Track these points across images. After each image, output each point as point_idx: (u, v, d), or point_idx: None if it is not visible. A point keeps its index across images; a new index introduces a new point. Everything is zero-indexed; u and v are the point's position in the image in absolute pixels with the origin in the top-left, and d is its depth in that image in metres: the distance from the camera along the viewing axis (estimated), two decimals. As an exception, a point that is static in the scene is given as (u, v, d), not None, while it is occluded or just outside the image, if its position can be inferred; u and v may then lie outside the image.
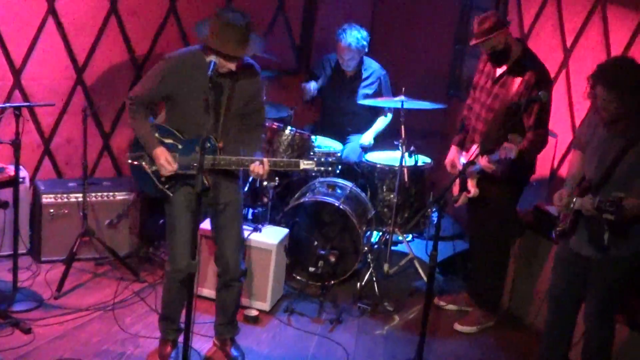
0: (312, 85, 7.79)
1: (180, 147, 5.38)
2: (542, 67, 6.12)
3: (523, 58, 6.12)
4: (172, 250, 5.52)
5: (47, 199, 6.96)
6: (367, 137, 7.81)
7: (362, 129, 7.89)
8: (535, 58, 6.17)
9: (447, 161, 6.58)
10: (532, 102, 5.80)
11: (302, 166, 5.45)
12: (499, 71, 6.23)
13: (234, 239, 5.61)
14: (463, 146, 6.60)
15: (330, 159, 7.33)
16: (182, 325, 5.38)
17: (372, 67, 7.88)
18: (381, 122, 7.93)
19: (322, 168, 5.53)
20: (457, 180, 6.41)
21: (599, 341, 5.27)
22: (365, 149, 7.77)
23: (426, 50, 8.73)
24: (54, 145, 7.45)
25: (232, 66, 5.19)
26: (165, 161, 5.30)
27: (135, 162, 5.45)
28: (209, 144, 5.24)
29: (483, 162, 5.98)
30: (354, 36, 7.57)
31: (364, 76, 7.84)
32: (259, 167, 5.32)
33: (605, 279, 5.12)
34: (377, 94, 7.80)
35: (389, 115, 7.93)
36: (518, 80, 6.07)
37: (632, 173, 4.84)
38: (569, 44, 6.89)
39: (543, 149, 6.16)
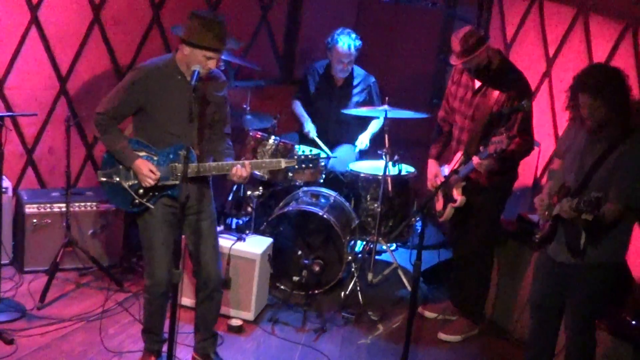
0: (312, 130, 7.82)
1: (155, 158, 5.35)
2: (521, 76, 6.16)
3: (502, 68, 6.15)
4: (150, 265, 5.48)
5: (30, 209, 6.92)
6: (364, 140, 7.80)
7: (350, 138, 7.88)
8: (514, 68, 6.21)
9: (430, 175, 6.58)
10: (514, 112, 5.83)
11: (283, 165, 5.46)
12: (478, 82, 6.25)
13: (213, 250, 5.59)
14: (439, 158, 6.63)
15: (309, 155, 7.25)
16: (166, 336, 5.36)
17: (361, 75, 7.89)
18: (375, 125, 7.90)
19: (304, 165, 5.51)
20: (440, 195, 6.43)
21: (580, 350, 5.27)
22: (362, 152, 7.77)
23: (410, 59, 8.76)
24: (37, 155, 7.44)
25: (213, 64, 5.20)
26: (149, 171, 5.28)
27: (104, 179, 5.43)
28: (186, 152, 5.24)
29: (475, 160, 5.96)
30: (352, 39, 7.59)
31: (354, 83, 7.85)
32: (241, 170, 5.33)
33: (584, 286, 5.13)
34: (368, 101, 7.81)
35: (381, 118, 7.89)
36: (497, 87, 6.10)
37: (610, 178, 4.87)
38: (551, 53, 6.93)
39: (528, 154, 6.19)
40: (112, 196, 5.48)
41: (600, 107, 4.83)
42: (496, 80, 6.13)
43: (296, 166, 5.48)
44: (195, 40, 5.13)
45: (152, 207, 5.37)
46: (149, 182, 5.29)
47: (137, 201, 5.37)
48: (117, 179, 5.39)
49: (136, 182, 5.36)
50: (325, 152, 7.64)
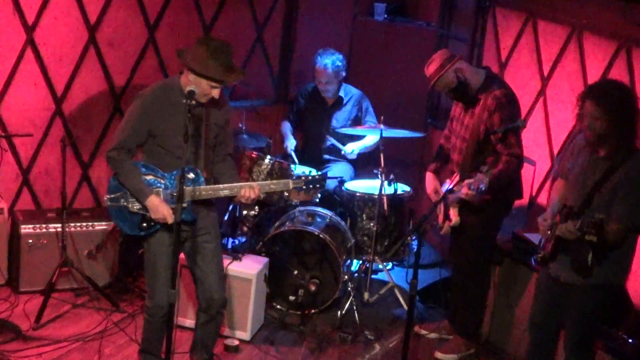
0: (290, 145, 7.86)
1: (162, 181, 5.34)
2: (501, 88, 6.14)
3: (486, 85, 6.17)
4: (152, 287, 5.46)
5: (25, 229, 6.92)
6: (352, 146, 7.76)
7: (343, 156, 7.87)
8: (496, 81, 6.22)
9: (429, 190, 6.59)
10: (509, 131, 5.88)
11: (291, 185, 5.45)
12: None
13: (217, 273, 5.57)
14: (439, 173, 6.63)
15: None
16: (163, 357, 5.35)
17: (352, 93, 7.89)
18: (370, 140, 7.85)
19: (311, 186, 5.50)
20: (442, 208, 6.44)
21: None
22: (355, 168, 7.78)
23: (404, 79, 8.76)
24: (32, 175, 7.42)
25: (216, 93, 5.18)
26: (169, 214, 5.26)
27: (111, 204, 5.41)
28: (193, 174, 5.21)
29: (463, 190, 5.98)
30: (329, 58, 7.61)
31: (344, 102, 7.86)
32: (249, 191, 5.30)
33: (584, 306, 5.14)
34: (358, 118, 7.82)
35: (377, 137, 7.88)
36: (479, 105, 6.13)
37: (612, 197, 4.87)
38: (546, 72, 6.95)
39: (517, 173, 6.17)
40: (119, 221, 5.46)
41: (600, 117, 4.83)
42: (476, 98, 6.17)
43: (304, 187, 5.48)
44: (200, 70, 5.12)
45: (159, 226, 5.35)
46: (162, 221, 5.30)
47: (144, 224, 5.35)
48: (124, 203, 5.37)
49: None
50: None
